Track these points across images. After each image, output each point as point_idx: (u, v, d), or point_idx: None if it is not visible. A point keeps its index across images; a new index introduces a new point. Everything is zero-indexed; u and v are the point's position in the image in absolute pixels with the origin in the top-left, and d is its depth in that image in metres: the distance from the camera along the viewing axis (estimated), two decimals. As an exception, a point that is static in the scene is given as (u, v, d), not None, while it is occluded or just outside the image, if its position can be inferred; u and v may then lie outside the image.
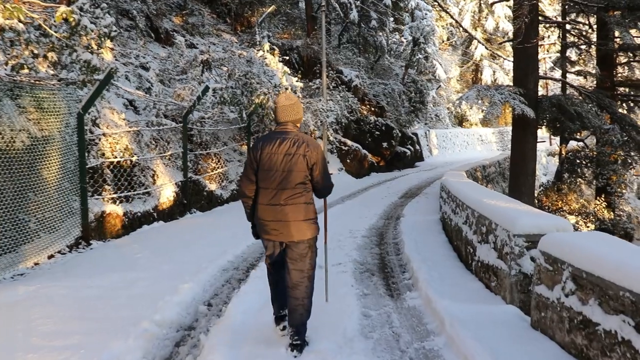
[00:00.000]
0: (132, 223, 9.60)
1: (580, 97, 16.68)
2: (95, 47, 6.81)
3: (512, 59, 41.50)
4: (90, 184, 8.65)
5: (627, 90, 21.87)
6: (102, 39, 6.86)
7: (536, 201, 16.46)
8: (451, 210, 7.78)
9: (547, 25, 20.61)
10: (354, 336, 4.35)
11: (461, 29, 43.86)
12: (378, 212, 11.75)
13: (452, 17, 24.84)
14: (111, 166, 9.30)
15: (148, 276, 6.13)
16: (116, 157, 9.42)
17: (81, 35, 6.72)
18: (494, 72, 44.87)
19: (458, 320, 4.26)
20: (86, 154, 8.67)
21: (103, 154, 9.18)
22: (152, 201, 10.43)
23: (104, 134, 9.31)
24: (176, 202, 11.21)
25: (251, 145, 4.32)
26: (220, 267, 6.66)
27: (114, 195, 9.21)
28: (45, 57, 6.55)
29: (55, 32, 6.68)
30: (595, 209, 16.91)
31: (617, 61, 22.35)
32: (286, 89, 15.59)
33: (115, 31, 7.22)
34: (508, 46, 44.35)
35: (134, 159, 9.92)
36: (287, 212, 4.00)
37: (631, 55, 23.39)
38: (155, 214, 10.39)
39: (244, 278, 6.32)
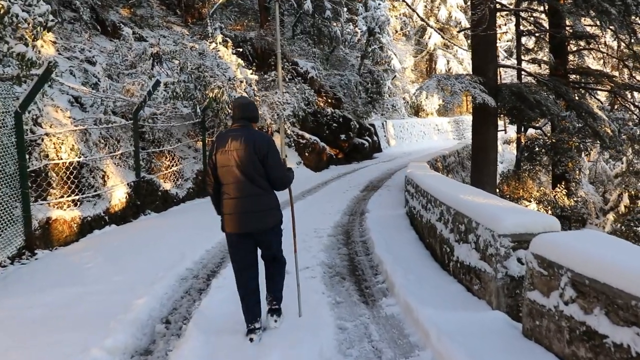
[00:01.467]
0: (82, 228, 8.96)
1: (537, 85, 16.65)
2: (29, 38, 6.16)
3: (465, 47, 41.81)
4: (33, 188, 7.99)
5: (578, 77, 22.10)
6: (38, 30, 6.20)
7: (497, 190, 16.41)
8: (421, 206, 7.43)
9: (503, 13, 20.58)
10: (331, 355, 3.92)
11: (416, 18, 43.94)
12: (341, 208, 11.35)
13: (409, 6, 24.60)
14: (56, 168, 8.63)
15: (99, 290, 5.57)
16: (61, 159, 8.75)
17: (17, 26, 6.05)
18: (448, 61, 45.14)
19: (444, 331, 3.89)
20: (27, 156, 8.00)
21: (47, 156, 8.50)
22: (102, 204, 9.78)
23: (47, 134, 8.62)
24: (129, 204, 10.58)
25: (211, 142, 4.52)
26: (178, 276, 6.13)
27: (61, 200, 8.55)
28: (-27, 50, 5.88)
29: (-15, 22, 6.02)
30: (556, 196, 16.97)
31: (569, 49, 22.59)
32: (241, 82, 15.07)
33: (52, 21, 6.57)
34: (461, 35, 44.73)
35: (81, 159, 9.25)
36: (247, 204, 4.24)
37: (582, 43, 23.78)
38: (106, 218, 9.76)
39: (204, 288, 5.82)
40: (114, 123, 10.66)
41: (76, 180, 9.00)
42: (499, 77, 34.18)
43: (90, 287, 5.67)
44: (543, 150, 17.94)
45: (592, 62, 28.78)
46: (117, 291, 5.48)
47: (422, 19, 25.31)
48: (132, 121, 10.89)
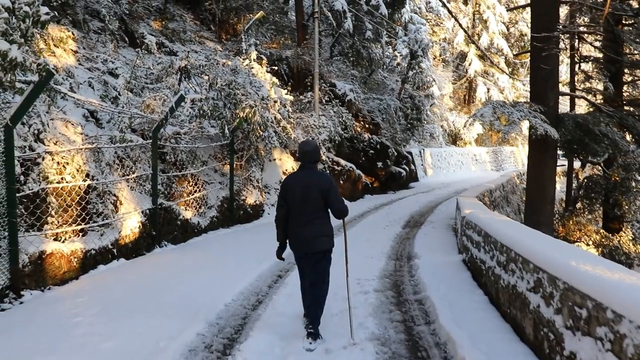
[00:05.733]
0: (84, 263, 7.67)
1: (600, 116, 15.03)
2: (16, 35, 4.90)
3: (506, 75, 40.17)
4: (25, 216, 6.75)
5: (631, 109, 20.46)
6: (28, 24, 4.94)
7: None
8: (496, 263, 5.89)
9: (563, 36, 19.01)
10: None
11: (456, 44, 42.59)
12: (385, 250, 9.81)
13: (460, 25, 23.24)
14: (56, 192, 7.36)
15: (79, 365, 4.19)
16: (65, 181, 7.49)
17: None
18: (488, 89, 43.53)
19: None
20: (23, 178, 6.81)
21: (46, 177, 7.24)
22: (111, 234, 8.48)
23: (48, 152, 7.38)
24: (142, 234, 9.27)
25: (282, 181, 5.44)
26: (185, 346, 4.69)
27: (60, 230, 7.27)
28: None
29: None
30: (620, 242, 15.17)
31: (623, 79, 21.05)
32: (275, 102, 13.83)
33: (47, 14, 5.32)
34: (502, 63, 43.15)
35: (88, 182, 7.97)
36: (309, 231, 5.12)
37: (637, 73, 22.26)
38: (115, 250, 8.45)
39: (219, 370, 4.39)
40: (130, 142, 9.40)
41: (80, 207, 7.74)
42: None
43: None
44: (603, 188, 16.15)
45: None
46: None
47: (474, 43, 23.90)
48: (150, 140, 9.64)
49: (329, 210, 5.19)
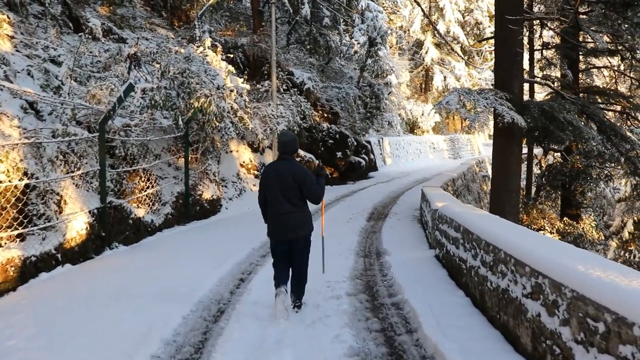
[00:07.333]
0: (24, 272, 6.90)
1: (563, 104, 14.86)
2: None
3: (462, 64, 40.29)
4: (-49, 222, 5.96)
5: (586, 96, 20.58)
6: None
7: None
8: (481, 262, 5.38)
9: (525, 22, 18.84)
10: None
11: (412, 32, 42.40)
12: (352, 246, 9.28)
13: (423, 11, 22.86)
14: (-12, 195, 6.56)
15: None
16: (-3, 181, 6.69)
17: None
18: (444, 77, 43.56)
19: None
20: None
21: (-25, 177, 6.44)
22: (55, 237, 7.71)
23: (-23, 149, 6.57)
24: (90, 236, 8.51)
25: (262, 171, 5.67)
26: (138, 373, 4.08)
27: (-7, 236, 6.48)
28: None
29: None
30: (584, 229, 15.07)
31: (579, 67, 21.22)
32: (231, 91, 13.15)
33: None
34: (459, 51, 43.18)
35: (25, 182, 7.18)
36: (288, 219, 5.45)
37: (594, 61, 22.53)
38: (59, 255, 7.69)
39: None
40: (74, 135, 8.59)
41: (17, 209, 6.95)
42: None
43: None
44: (566, 176, 16.02)
45: (598, 82, 27.37)
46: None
47: (436, 30, 23.60)
48: (97, 133, 8.84)
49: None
